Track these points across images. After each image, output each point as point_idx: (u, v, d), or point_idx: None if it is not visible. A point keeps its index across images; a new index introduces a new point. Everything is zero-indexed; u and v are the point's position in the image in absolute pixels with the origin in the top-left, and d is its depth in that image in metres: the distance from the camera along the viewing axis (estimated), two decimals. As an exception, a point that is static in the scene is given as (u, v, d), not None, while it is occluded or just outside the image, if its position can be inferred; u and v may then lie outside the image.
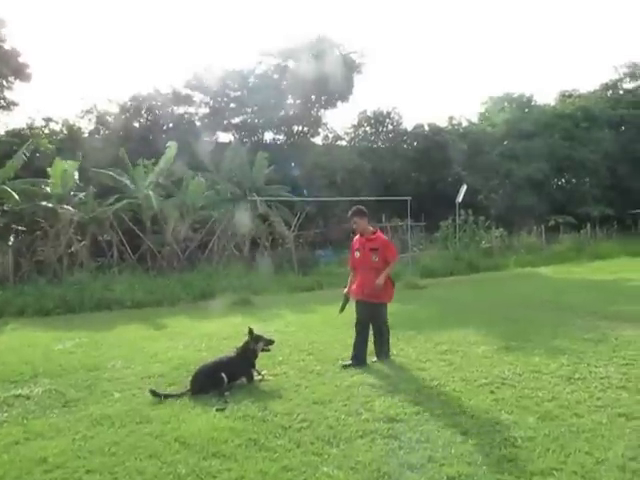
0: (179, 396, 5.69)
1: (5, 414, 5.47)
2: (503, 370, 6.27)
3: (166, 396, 5.67)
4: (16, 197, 15.90)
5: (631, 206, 31.12)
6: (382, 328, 7.12)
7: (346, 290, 7.31)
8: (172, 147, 18.82)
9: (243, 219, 18.49)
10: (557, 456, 4.03)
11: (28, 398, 5.95)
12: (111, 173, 18.41)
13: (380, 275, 6.84)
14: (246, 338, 6.46)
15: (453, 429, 4.56)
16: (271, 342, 6.63)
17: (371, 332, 7.14)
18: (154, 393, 5.65)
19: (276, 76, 27.89)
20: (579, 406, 5.03)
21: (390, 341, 7.26)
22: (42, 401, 5.82)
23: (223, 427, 4.75)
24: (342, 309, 7.28)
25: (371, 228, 7.25)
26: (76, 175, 17.65)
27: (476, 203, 26.28)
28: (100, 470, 4.07)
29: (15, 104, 24.51)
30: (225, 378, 5.88)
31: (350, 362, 6.89)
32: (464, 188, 21.91)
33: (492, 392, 5.53)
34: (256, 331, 6.54)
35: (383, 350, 7.10)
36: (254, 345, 6.46)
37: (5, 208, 17.03)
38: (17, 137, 21.31)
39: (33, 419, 5.28)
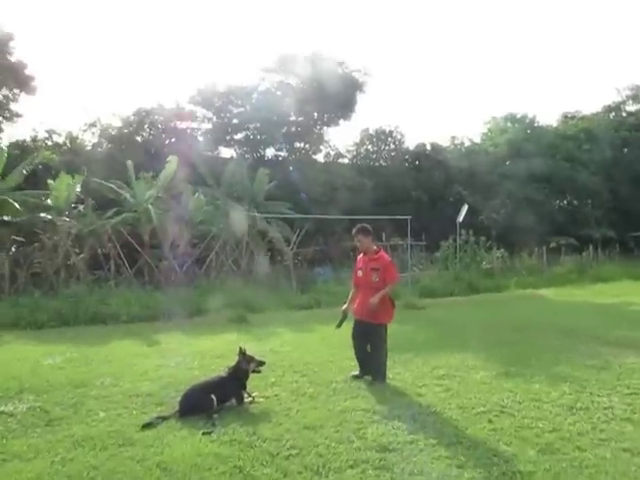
0: (167, 418, 5.48)
1: (-14, 432, 5.27)
2: (502, 398, 6.06)
3: (157, 419, 5.44)
4: (17, 207, 15.85)
5: (633, 228, 31.00)
6: (379, 350, 7.00)
7: (345, 306, 7.25)
8: (173, 161, 18.79)
9: (239, 226, 18.31)
10: (558, 494, 3.83)
11: (11, 415, 5.74)
12: (112, 186, 18.35)
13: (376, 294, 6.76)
14: (238, 357, 6.29)
15: (448, 461, 4.35)
16: (262, 363, 6.45)
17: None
18: (147, 425, 5.31)
19: (279, 93, 27.95)
20: (581, 439, 4.81)
21: (387, 364, 7.10)
22: (25, 419, 5.61)
23: (208, 452, 4.55)
24: (339, 325, 7.20)
25: (374, 247, 7.20)
26: (78, 188, 17.61)
27: (477, 223, 26.16)
28: (75, 497, 3.87)
29: (19, 115, 24.61)
30: (215, 400, 5.68)
31: (358, 373, 7.07)
32: (465, 208, 21.78)
33: (490, 421, 5.32)
34: (248, 351, 6.36)
35: (380, 373, 6.94)
36: (246, 365, 6.27)
37: (5, 219, 16.93)
38: (20, 149, 21.31)
39: (13, 439, 5.07)
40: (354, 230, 7.19)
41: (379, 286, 6.87)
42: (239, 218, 18.32)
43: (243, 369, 6.20)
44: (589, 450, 4.57)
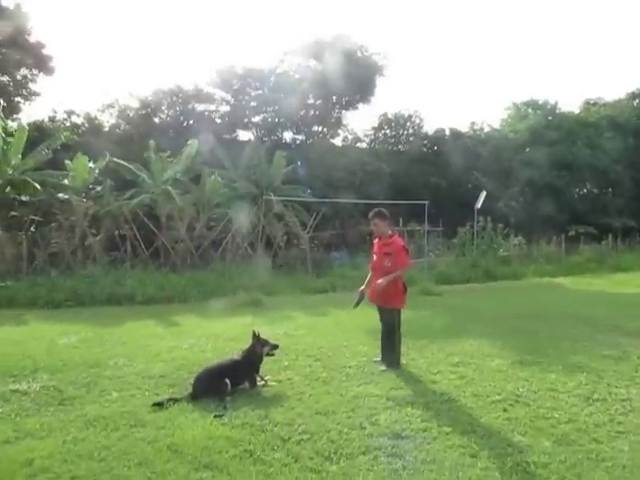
0: (179, 400, 5.47)
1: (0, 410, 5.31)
2: (517, 386, 5.97)
3: (169, 400, 5.43)
4: (38, 187, 15.99)
5: (655, 218, 30.39)
6: (391, 334, 6.97)
7: (362, 288, 7.23)
8: (192, 144, 18.80)
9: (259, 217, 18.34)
10: (574, 487, 3.75)
11: (25, 394, 5.79)
12: (131, 167, 18.37)
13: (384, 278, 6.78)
14: (252, 340, 6.26)
15: (462, 450, 4.28)
16: (276, 347, 6.43)
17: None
18: (158, 404, 5.32)
19: (297, 76, 27.70)
20: (598, 430, 4.72)
21: (401, 350, 7.04)
22: (38, 398, 5.66)
23: (219, 435, 4.53)
24: (356, 305, 7.19)
25: (389, 232, 7.17)
26: (97, 171, 17.68)
27: (495, 210, 25.81)
28: (86, 477, 3.87)
29: (37, 94, 24.72)
30: (229, 384, 5.64)
31: (380, 358, 7.06)
32: (483, 194, 21.51)
33: (505, 410, 5.24)
34: (262, 334, 6.33)
35: (393, 359, 6.90)
36: (260, 349, 6.25)
37: (23, 199, 17.07)
38: (38, 129, 21.42)
39: (26, 417, 5.11)
40: (371, 214, 7.16)
41: (391, 271, 6.84)
42: (245, 217, 18.33)
43: (257, 352, 6.18)
44: (606, 442, 4.48)
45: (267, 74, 27.87)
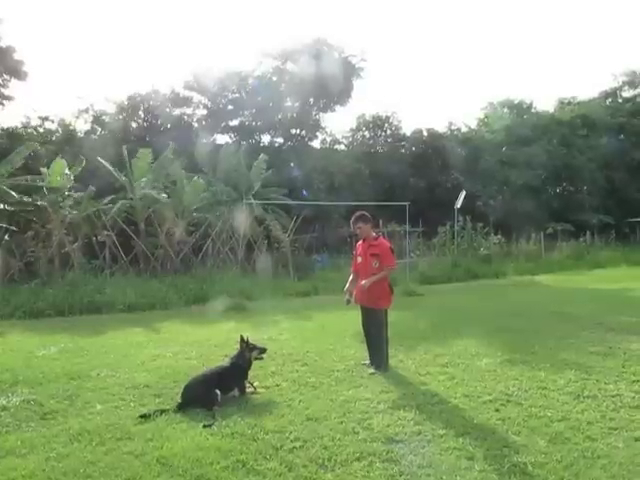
0: (166, 411, 5.30)
1: (-22, 427, 5.10)
2: (508, 386, 5.95)
3: (155, 412, 5.26)
4: (13, 194, 15.59)
5: (629, 214, 30.91)
6: (379, 335, 6.93)
7: (347, 286, 7.24)
8: (169, 149, 18.54)
9: (239, 221, 18.18)
10: (572, 486, 3.70)
11: (4, 409, 5.56)
12: (110, 168, 18.02)
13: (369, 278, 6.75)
14: (239, 346, 6.14)
15: (457, 452, 4.22)
16: (264, 351, 6.31)
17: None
18: (144, 416, 5.16)
19: (275, 78, 27.60)
20: (591, 428, 4.69)
21: (388, 352, 6.98)
22: (19, 413, 5.45)
23: (209, 446, 4.39)
24: (348, 302, 7.16)
25: (374, 234, 7.18)
26: (72, 177, 17.31)
27: (475, 209, 26.01)
28: (71, 495, 3.72)
29: (10, 98, 24.13)
30: (219, 395, 5.49)
31: (368, 362, 6.96)
32: (463, 194, 21.59)
33: (497, 410, 5.19)
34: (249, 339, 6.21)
35: (381, 360, 6.84)
36: (249, 353, 6.13)
37: (-3, 206, 16.64)
38: (11, 136, 20.95)
39: (7, 433, 4.91)
40: (353, 218, 7.10)
41: (377, 271, 6.82)
42: (241, 216, 18.17)
43: (246, 358, 6.06)
44: (600, 439, 4.45)
45: (244, 77, 27.71)
